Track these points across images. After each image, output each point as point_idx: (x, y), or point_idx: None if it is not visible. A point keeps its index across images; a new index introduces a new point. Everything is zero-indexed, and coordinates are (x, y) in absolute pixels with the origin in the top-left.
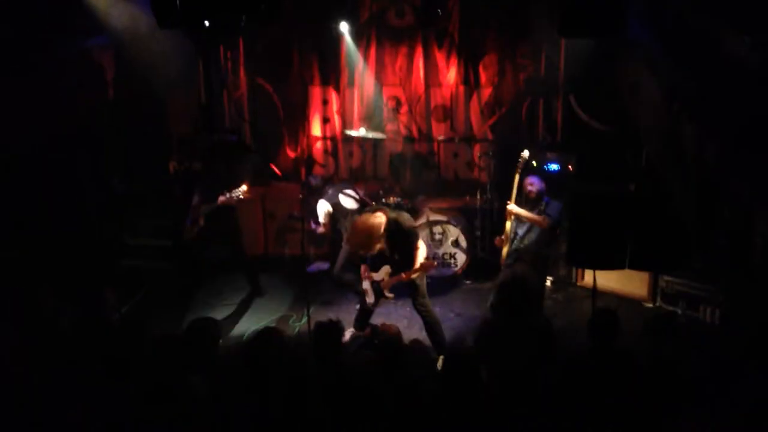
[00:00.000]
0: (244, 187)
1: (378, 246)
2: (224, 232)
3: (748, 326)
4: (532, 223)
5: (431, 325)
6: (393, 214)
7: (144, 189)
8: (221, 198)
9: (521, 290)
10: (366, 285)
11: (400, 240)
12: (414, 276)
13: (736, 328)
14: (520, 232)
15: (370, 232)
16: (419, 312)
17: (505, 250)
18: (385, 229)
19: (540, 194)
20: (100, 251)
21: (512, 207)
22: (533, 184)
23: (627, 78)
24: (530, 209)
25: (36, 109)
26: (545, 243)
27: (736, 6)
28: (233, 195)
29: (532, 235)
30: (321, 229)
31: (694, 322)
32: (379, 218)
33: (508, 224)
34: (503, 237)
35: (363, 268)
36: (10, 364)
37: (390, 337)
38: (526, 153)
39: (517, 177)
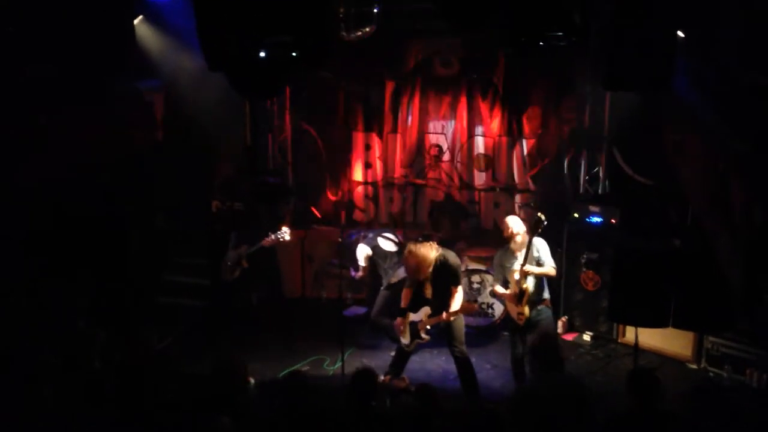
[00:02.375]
0: (287, 229)
1: (428, 272)
2: (264, 273)
3: None
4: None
5: (465, 372)
6: (442, 251)
7: (187, 227)
8: (267, 239)
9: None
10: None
11: (444, 277)
12: (453, 318)
13: None
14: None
15: (424, 258)
16: (455, 356)
17: (513, 307)
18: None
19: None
20: (140, 287)
21: (529, 268)
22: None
23: (672, 134)
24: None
25: (86, 145)
26: (542, 289)
27: None
28: (278, 236)
29: (532, 284)
30: (360, 274)
31: (740, 386)
32: (431, 248)
33: (530, 279)
34: (512, 292)
35: (398, 321)
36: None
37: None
38: (542, 217)
39: (528, 238)
